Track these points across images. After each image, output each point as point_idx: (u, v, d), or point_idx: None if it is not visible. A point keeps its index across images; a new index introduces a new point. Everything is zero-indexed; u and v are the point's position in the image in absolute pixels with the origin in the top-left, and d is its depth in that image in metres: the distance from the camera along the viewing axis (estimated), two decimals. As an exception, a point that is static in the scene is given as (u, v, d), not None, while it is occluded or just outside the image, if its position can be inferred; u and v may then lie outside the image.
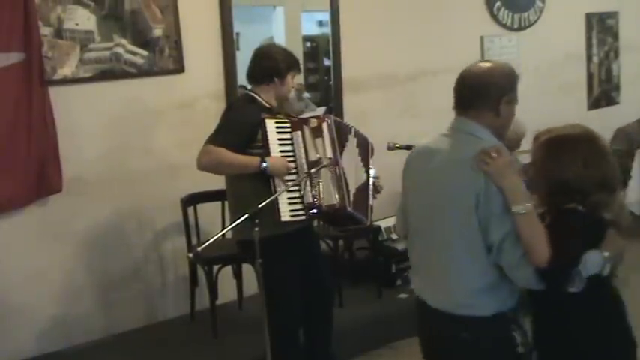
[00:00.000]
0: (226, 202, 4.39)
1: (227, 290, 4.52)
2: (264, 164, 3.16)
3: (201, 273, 4.32)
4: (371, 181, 3.45)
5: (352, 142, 3.45)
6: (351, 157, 3.41)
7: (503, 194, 2.14)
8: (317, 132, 3.28)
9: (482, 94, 2.27)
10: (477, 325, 2.24)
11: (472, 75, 2.32)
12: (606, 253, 2.22)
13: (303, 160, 3.24)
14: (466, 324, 2.25)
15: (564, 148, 2.27)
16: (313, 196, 3.23)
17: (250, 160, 3.19)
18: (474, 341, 2.25)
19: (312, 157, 3.25)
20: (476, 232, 2.19)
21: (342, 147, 3.37)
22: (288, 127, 3.27)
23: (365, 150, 3.51)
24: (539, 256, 2.10)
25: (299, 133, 3.27)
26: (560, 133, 2.32)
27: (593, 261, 2.19)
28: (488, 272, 2.22)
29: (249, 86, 3.55)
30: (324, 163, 3.22)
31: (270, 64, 3.39)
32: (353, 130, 3.49)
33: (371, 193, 3.45)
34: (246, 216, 2.89)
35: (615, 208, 2.26)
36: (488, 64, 2.35)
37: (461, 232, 2.22)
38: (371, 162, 3.51)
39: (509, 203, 2.13)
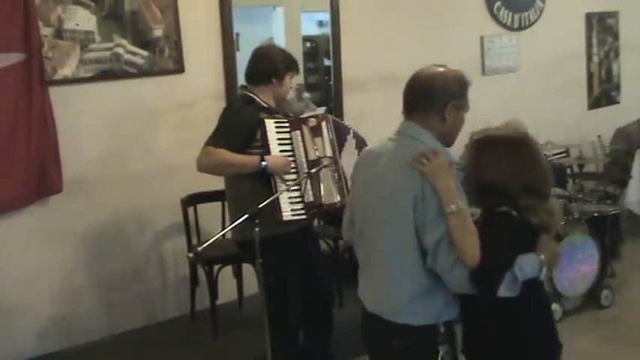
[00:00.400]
0: (226, 202, 4.43)
1: (227, 290, 4.53)
2: (264, 162, 3.16)
3: (201, 273, 4.32)
4: None
5: (351, 142, 3.45)
6: (350, 157, 3.41)
7: (438, 195, 2.12)
8: (316, 131, 3.28)
9: (428, 97, 2.25)
10: (408, 334, 2.21)
11: (421, 78, 2.29)
12: (542, 256, 2.18)
13: (303, 159, 3.25)
14: (397, 332, 2.22)
15: (489, 150, 2.23)
16: (314, 195, 3.23)
17: (250, 159, 3.20)
18: (403, 350, 2.23)
19: (312, 156, 3.26)
20: (412, 236, 2.16)
21: (341, 147, 3.37)
22: (287, 127, 3.28)
23: None
24: (469, 257, 2.07)
25: (298, 132, 3.27)
26: (488, 133, 2.28)
27: (530, 264, 2.15)
28: (422, 279, 2.18)
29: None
30: (325, 162, 3.22)
31: (268, 64, 3.38)
32: (352, 131, 3.50)
33: None
34: (247, 216, 2.90)
35: (542, 215, 2.18)
36: (439, 69, 2.30)
37: (397, 235, 2.20)
38: None
39: (442, 204, 2.11)
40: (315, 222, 4.04)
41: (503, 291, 2.11)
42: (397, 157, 2.24)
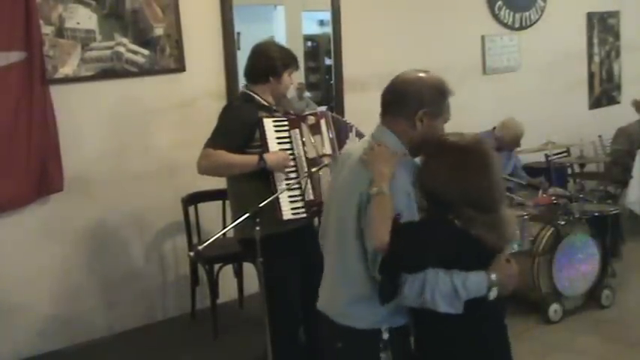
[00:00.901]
0: (227, 202, 4.43)
1: (228, 289, 4.53)
2: (263, 160, 3.16)
3: (202, 272, 4.32)
4: None
5: (353, 140, 3.43)
6: None
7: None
8: (315, 129, 3.26)
9: (400, 102, 2.20)
10: (350, 337, 2.18)
11: (397, 82, 2.24)
12: (493, 276, 2.06)
13: (303, 158, 3.24)
14: (340, 333, 2.20)
15: (434, 156, 2.14)
16: (314, 194, 3.23)
17: (249, 159, 3.19)
18: (344, 353, 2.20)
19: (312, 154, 3.24)
20: (354, 237, 2.13)
21: (342, 144, 3.35)
22: (286, 125, 3.26)
23: None
24: (377, 240, 2.01)
25: (297, 130, 3.26)
26: (440, 139, 2.18)
27: (476, 283, 2.04)
28: (364, 283, 2.13)
29: None
30: (326, 161, 3.21)
31: (265, 62, 3.34)
32: (354, 129, 3.49)
33: None
34: (247, 215, 2.91)
35: (479, 227, 2.04)
36: (418, 74, 2.23)
37: (341, 235, 2.18)
38: None
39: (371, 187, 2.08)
40: (316, 221, 4.04)
41: (444, 306, 2.02)
42: (356, 158, 2.23)
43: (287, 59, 3.39)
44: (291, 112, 3.52)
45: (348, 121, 3.57)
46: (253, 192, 3.15)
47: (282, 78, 3.36)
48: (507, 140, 5.34)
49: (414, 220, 2.10)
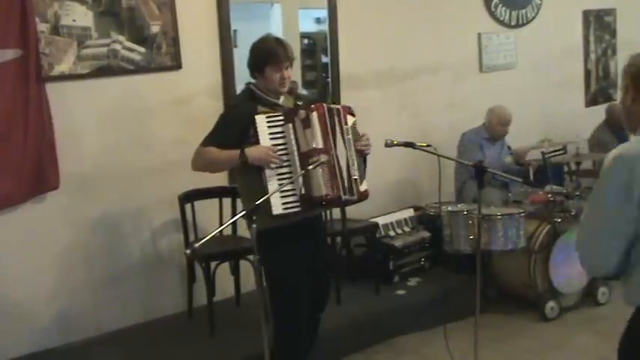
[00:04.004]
0: (223, 199, 4.43)
1: (225, 287, 4.52)
2: (244, 154, 3.17)
3: (198, 269, 4.31)
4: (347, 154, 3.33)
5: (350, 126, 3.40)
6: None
7: None
8: (305, 122, 3.25)
9: None
10: None
11: None
12: None
13: (295, 153, 3.23)
14: None
15: None
16: (305, 189, 3.22)
17: (233, 153, 3.21)
18: None
19: (304, 148, 3.23)
20: None
21: (340, 133, 3.33)
22: (281, 120, 3.25)
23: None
24: None
25: (290, 125, 3.25)
26: None
27: None
28: None
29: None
30: (322, 159, 3.20)
31: (250, 57, 3.37)
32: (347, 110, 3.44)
33: (352, 163, 3.34)
34: (243, 212, 2.94)
35: None
36: None
37: None
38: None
39: None
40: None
41: None
42: None
43: (266, 55, 3.31)
44: (294, 93, 3.50)
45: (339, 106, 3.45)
46: (260, 187, 3.17)
47: (265, 74, 3.31)
48: (494, 123, 5.36)
49: None
